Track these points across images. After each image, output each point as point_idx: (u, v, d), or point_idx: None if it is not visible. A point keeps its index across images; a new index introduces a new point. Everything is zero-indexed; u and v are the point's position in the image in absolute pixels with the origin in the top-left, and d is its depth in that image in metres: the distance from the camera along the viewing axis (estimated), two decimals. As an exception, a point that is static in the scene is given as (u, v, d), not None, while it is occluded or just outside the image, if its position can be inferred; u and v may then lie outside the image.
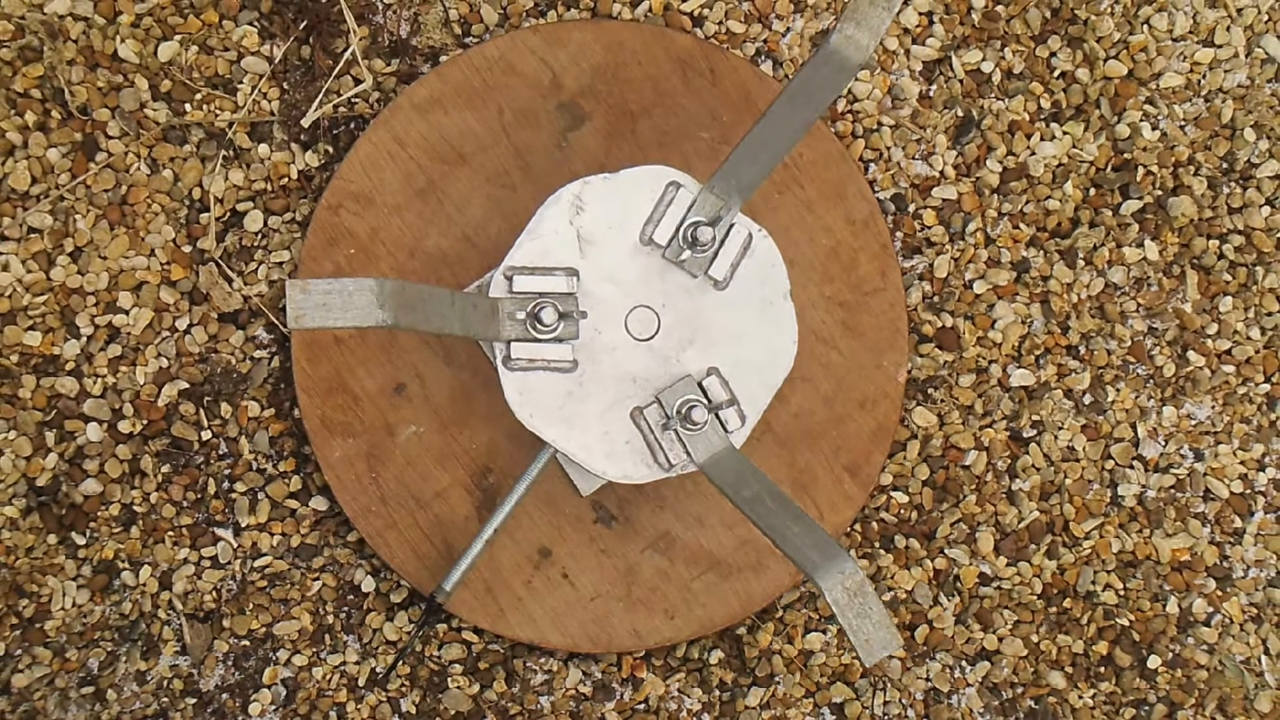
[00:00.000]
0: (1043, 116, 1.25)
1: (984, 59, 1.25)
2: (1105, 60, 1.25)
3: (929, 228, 1.24)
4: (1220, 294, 1.25)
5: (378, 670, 1.20)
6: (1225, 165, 1.26)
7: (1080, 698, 1.23)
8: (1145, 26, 1.26)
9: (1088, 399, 1.25)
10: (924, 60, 1.25)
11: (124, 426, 1.19)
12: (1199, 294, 1.25)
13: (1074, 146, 1.25)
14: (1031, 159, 1.25)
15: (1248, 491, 1.25)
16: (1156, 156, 1.25)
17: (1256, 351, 1.25)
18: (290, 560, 1.20)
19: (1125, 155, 1.25)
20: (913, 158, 1.24)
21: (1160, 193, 1.25)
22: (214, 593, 1.20)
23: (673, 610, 1.19)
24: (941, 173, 1.25)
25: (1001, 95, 1.25)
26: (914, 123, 1.24)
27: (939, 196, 1.24)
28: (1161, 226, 1.25)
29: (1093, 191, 1.25)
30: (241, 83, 1.21)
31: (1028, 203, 1.25)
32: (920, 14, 1.25)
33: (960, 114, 1.25)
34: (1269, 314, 1.25)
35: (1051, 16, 1.25)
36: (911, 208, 1.24)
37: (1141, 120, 1.25)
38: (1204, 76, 1.26)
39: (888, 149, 1.24)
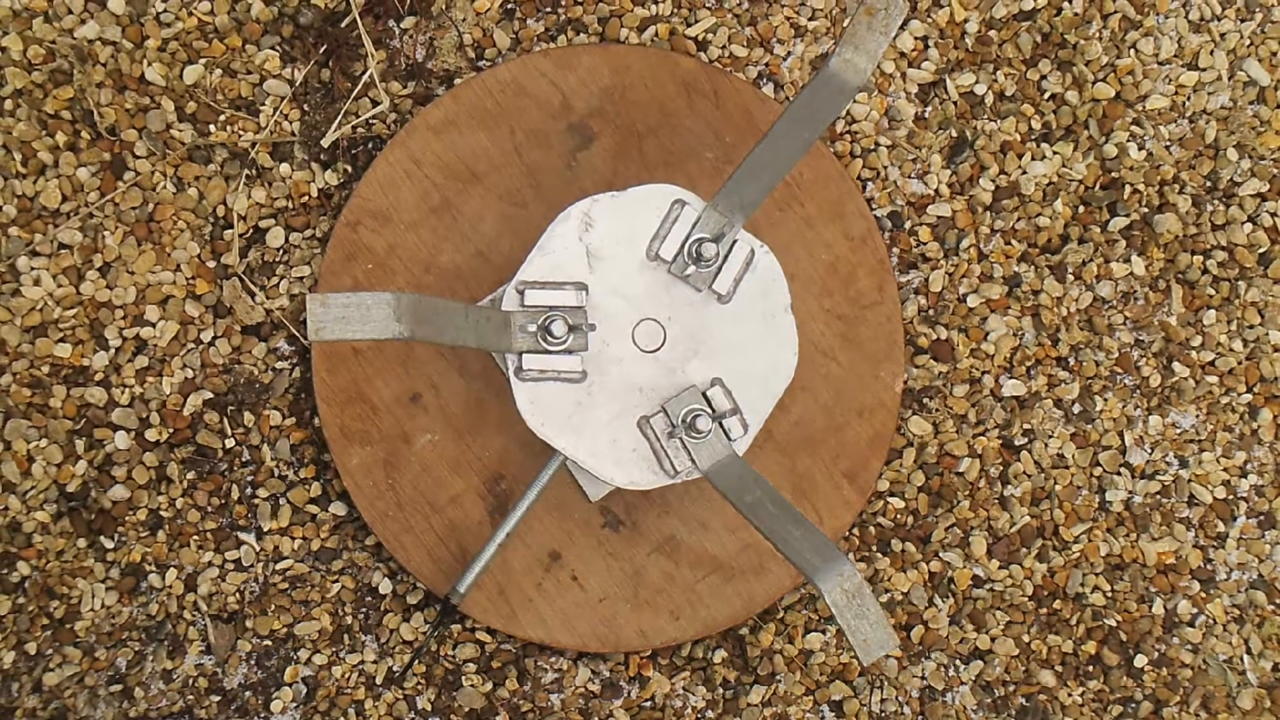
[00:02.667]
0: (1033, 137, 1.27)
1: (977, 82, 1.26)
2: (1094, 83, 1.26)
3: (924, 244, 1.26)
4: (1204, 307, 1.26)
5: (394, 669, 1.21)
6: (1209, 184, 1.27)
7: (1070, 695, 1.24)
8: (1132, 50, 1.27)
9: (1077, 408, 1.26)
10: (919, 83, 1.26)
11: (151, 435, 1.21)
12: (1184, 307, 1.26)
13: (1064, 166, 1.26)
14: (1023, 178, 1.26)
15: (1230, 497, 1.26)
16: (1143, 175, 1.26)
17: (1239, 363, 1.26)
18: (310, 563, 1.22)
19: (1113, 174, 1.26)
20: (909, 176, 1.26)
21: (1146, 210, 1.27)
22: (237, 594, 1.21)
23: (678, 611, 1.20)
24: (936, 191, 1.26)
25: (994, 116, 1.26)
26: (910, 143, 1.26)
27: (934, 214, 1.26)
28: (1148, 243, 1.26)
29: (1081, 209, 1.26)
30: (264, 104, 1.23)
31: (1019, 220, 1.26)
32: (916, 38, 1.26)
33: (954, 134, 1.26)
34: (1251, 326, 1.26)
35: (1042, 41, 1.27)
36: (907, 224, 1.26)
37: (1128, 140, 1.26)
38: (1188, 98, 1.27)
39: (885, 168, 1.26)
